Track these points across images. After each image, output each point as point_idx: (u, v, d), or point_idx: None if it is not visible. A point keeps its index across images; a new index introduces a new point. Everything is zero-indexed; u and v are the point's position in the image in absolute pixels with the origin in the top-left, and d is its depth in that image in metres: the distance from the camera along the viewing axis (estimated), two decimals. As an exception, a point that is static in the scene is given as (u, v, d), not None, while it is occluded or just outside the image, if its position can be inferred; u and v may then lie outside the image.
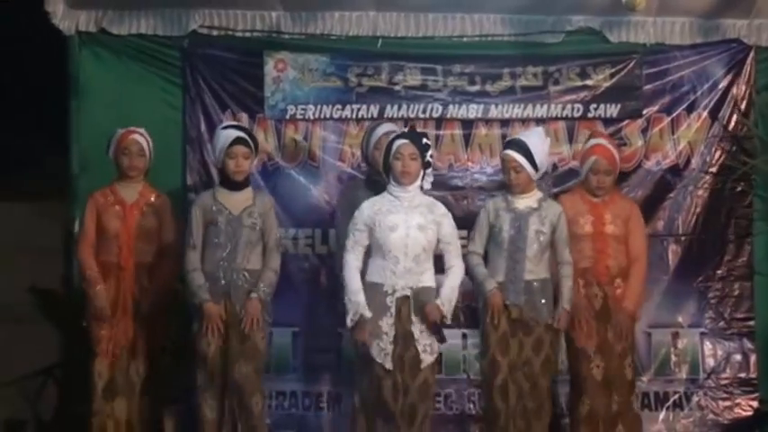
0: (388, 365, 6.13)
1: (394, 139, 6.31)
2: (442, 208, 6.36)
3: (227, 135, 6.60)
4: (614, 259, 6.82)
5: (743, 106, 7.78)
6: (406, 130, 6.52)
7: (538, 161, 6.60)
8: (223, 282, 6.48)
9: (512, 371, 6.48)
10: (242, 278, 6.50)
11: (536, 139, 6.71)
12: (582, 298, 6.74)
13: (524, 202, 6.63)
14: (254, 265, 6.55)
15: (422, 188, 6.33)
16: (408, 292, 6.17)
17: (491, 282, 6.53)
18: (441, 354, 6.82)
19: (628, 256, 6.86)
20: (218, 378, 6.47)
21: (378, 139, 6.86)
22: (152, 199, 6.91)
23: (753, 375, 7.72)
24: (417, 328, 6.18)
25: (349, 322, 6.18)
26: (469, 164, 7.82)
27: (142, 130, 6.94)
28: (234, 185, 6.60)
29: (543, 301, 6.55)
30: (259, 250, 6.59)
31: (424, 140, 6.29)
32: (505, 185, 6.75)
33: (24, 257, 8.15)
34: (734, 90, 7.78)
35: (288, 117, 7.79)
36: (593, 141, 7.05)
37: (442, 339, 6.20)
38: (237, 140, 6.56)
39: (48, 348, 7.74)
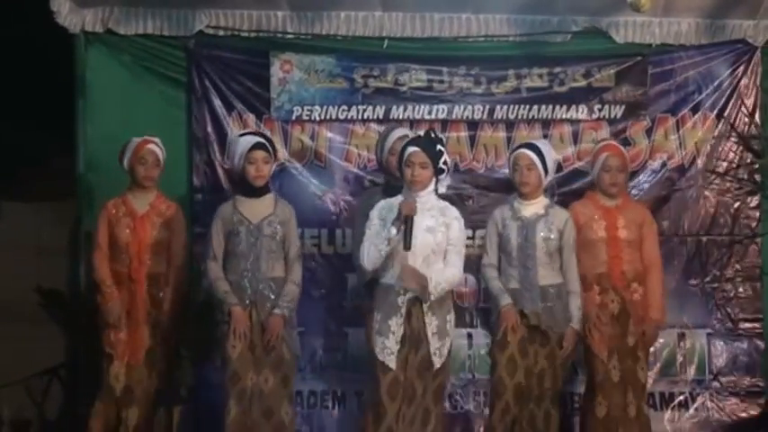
0: (391, 365, 6.09)
1: (406, 146, 6.25)
2: (454, 212, 6.27)
3: (245, 141, 6.58)
4: (629, 264, 6.80)
5: (749, 106, 7.79)
6: (421, 134, 6.43)
7: (548, 165, 6.58)
8: (249, 291, 6.47)
9: (527, 376, 6.45)
10: (268, 287, 6.50)
11: (546, 147, 6.74)
12: (594, 305, 6.73)
13: (531, 209, 6.60)
14: (279, 273, 6.56)
15: (436, 192, 6.26)
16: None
17: (506, 297, 6.49)
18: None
19: (642, 261, 6.85)
20: (241, 383, 6.42)
21: (392, 144, 6.82)
22: (163, 209, 6.92)
23: (760, 377, 7.71)
24: (430, 331, 6.14)
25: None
26: (474, 164, 7.82)
27: (157, 140, 6.95)
28: (254, 192, 6.58)
29: (560, 307, 6.52)
30: (282, 259, 6.59)
31: (438, 147, 6.18)
32: (514, 188, 6.71)
33: (31, 257, 8.17)
34: (740, 90, 7.79)
35: (294, 118, 7.80)
36: (602, 143, 7.11)
37: (407, 245, 5.99)
38: (257, 146, 6.55)
39: (53, 348, 7.76)
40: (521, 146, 6.74)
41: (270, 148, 6.64)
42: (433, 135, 6.33)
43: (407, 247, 6.01)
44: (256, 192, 6.59)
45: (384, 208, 6.22)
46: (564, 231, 6.58)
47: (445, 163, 6.21)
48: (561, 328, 6.50)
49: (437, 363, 6.14)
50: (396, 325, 6.12)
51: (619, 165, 6.87)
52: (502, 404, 6.45)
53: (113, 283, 6.76)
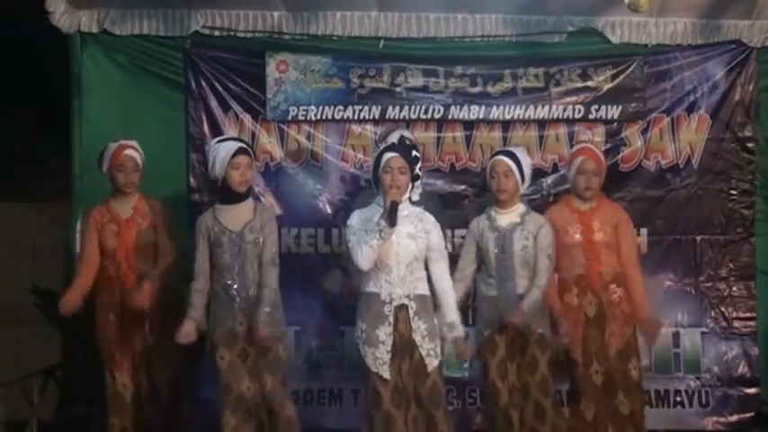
0: (386, 375, 6.08)
1: (383, 153, 6.27)
2: (430, 217, 6.31)
3: (228, 147, 6.50)
4: (607, 266, 6.80)
5: (744, 107, 7.82)
6: (396, 142, 6.49)
7: (525, 172, 6.61)
8: (238, 300, 6.43)
9: (511, 395, 6.48)
10: (256, 293, 6.45)
11: (522, 154, 6.75)
12: (573, 308, 6.74)
13: (507, 218, 6.62)
14: None
15: (410, 199, 6.30)
16: (405, 301, 6.15)
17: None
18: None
19: (620, 262, 6.84)
20: (235, 393, 6.38)
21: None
22: (147, 210, 6.90)
23: (754, 375, 7.74)
24: (419, 335, 6.15)
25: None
26: (471, 164, 7.83)
27: (134, 143, 6.91)
28: (235, 198, 6.53)
29: (539, 313, 6.54)
30: None
31: (414, 153, 6.25)
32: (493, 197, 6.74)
33: (26, 257, 8.18)
34: (735, 91, 7.82)
35: (290, 118, 7.81)
36: (577, 146, 7.14)
37: (392, 223, 6.03)
38: (240, 150, 6.49)
39: (48, 349, 7.76)
40: (497, 153, 6.79)
41: (251, 153, 6.62)
42: (407, 141, 6.37)
43: (393, 224, 6.02)
44: (236, 198, 6.53)
45: (362, 216, 6.25)
46: (538, 236, 6.58)
47: (420, 169, 6.27)
48: (536, 329, 6.51)
49: (433, 363, 6.14)
50: (385, 334, 6.12)
51: (594, 168, 6.85)
52: (501, 408, 6.48)
53: (104, 287, 6.80)
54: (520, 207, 6.66)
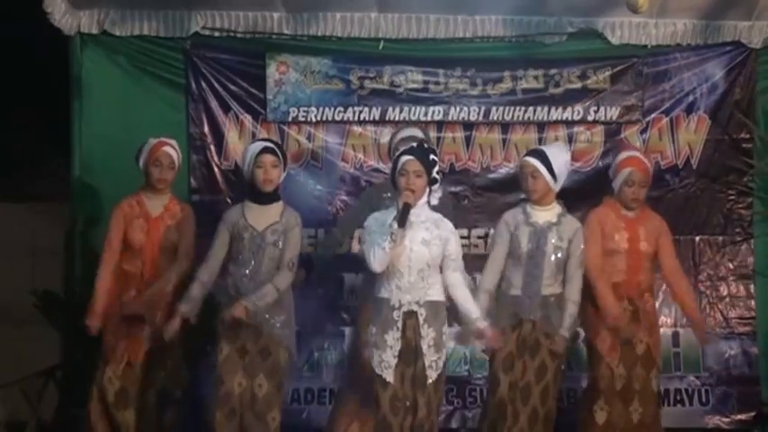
0: (389, 378, 6.05)
1: (400, 156, 6.22)
2: (449, 224, 6.22)
3: (255, 146, 6.53)
4: (645, 275, 6.76)
5: (743, 108, 7.85)
6: (414, 144, 6.40)
7: (556, 170, 6.48)
8: (247, 296, 6.38)
9: (511, 390, 6.46)
10: None
11: (556, 150, 6.66)
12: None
13: (544, 215, 6.54)
14: None
15: (429, 203, 6.24)
16: (415, 307, 6.11)
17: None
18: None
19: (663, 272, 6.84)
20: (225, 387, 6.35)
21: (397, 143, 6.85)
22: (176, 212, 6.84)
23: (753, 374, 7.78)
24: (426, 343, 6.11)
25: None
26: (470, 164, 7.85)
27: (173, 142, 6.87)
28: (263, 198, 6.50)
29: (558, 316, 6.49)
30: None
31: (432, 157, 6.15)
32: (510, 189, 6.74)
33: (25, 258, 8.17)
34: (734, 92, 7.86)
35: (290, 119, 7.83)
36: (625, 154, 6.94)
37: (402, 224, 5.99)
38: (265, 150, 6.48)
39: (48, 350, 7.73)
40: (527, 153, 6.69)
41: (279, 154, 6.55)
42: (426, 145, 6.33)
43: (402, 225, 5.98)
44: (265, 198, 6.51)
45: (378, 219, 6.21)
46: (572, 241, 6.51)
47: (438, 173, 6.20)
48: (555, 332, 6.47)
49: (432, 376, 6.10)
50: (392, 339, 6.08)
51: (642, 180, 6.76)
52: (496, 400, 6.47)
53: (123, 281, 6.70)
54: (556, 207, 6.58)
